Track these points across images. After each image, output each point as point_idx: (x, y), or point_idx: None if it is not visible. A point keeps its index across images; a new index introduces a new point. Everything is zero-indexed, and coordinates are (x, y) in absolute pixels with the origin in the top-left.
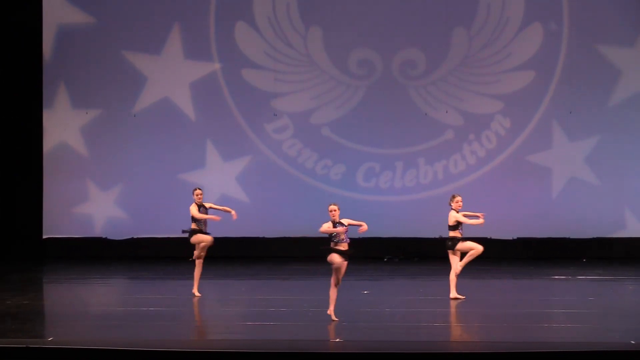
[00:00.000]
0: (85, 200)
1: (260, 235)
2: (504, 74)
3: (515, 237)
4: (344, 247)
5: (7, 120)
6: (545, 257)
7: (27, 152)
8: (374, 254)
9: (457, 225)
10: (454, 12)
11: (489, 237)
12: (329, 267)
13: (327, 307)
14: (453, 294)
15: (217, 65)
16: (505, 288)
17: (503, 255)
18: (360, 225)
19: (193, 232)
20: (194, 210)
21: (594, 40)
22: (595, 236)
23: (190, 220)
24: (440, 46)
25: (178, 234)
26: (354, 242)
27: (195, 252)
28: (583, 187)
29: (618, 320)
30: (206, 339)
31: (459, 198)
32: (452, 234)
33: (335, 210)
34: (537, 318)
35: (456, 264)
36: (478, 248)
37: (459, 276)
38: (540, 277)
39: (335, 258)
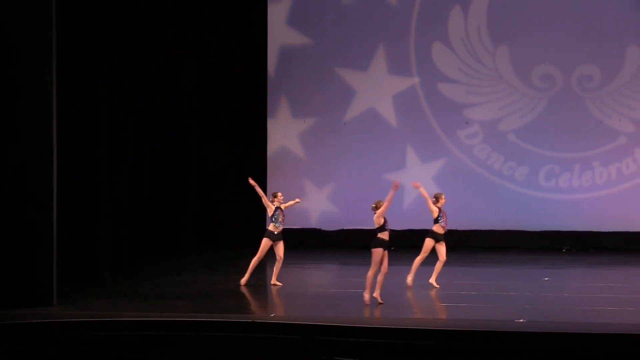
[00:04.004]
0: (302, 195)
1: (454, 228)
2: None
3: None
4: (386, 235)
5: (237, 127)
6: None
7: (254, 155)
8: (554, 245)
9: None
10: (627, 31)
11: None
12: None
13: (512, 292)
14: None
15: (416, 80)
16: None
17: None
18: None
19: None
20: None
21: None
22: None
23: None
24: (614, 62)
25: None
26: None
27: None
28: None
29: None
30: (406, 317)
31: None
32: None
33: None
34: None
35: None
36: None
37: None
38: None
39: (376, 253)
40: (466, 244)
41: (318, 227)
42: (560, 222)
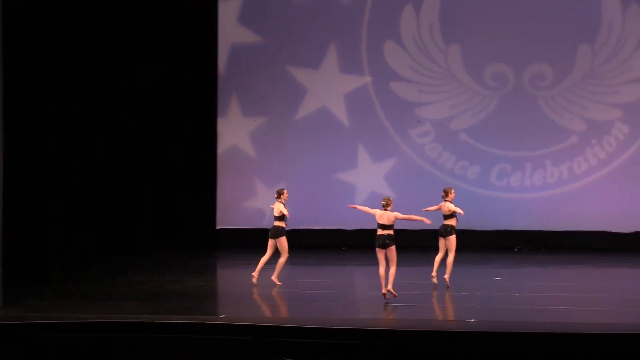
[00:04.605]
0: (253, 196)
1: (405, 228)
2: (623, 85)
3: (633, 231)
4: (379, 232)
5: (187, 126)
6: None
7: (204, 154)
8: (505, 244)
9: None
10: (579, 30)
11: (609, 230)
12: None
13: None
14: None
15: (368, 79)
16: (625, 276)
17: (622, 246)
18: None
19: (284, 230)
20: (284, 209)
21: None
22: None
23: (282, 220)
24: (566, 60)
25: (333, 226)
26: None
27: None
28: None
29: None
30: (357, 317)
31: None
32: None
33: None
34: None
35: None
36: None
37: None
38: None
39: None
40: (418, 244)
41: (269, 226)
42: (511, 222)
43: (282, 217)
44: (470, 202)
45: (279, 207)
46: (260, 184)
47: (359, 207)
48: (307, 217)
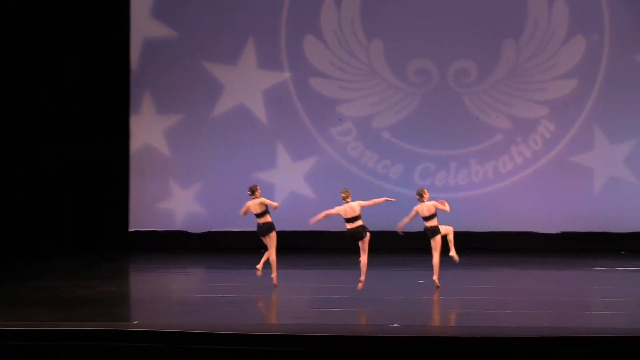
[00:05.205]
0: (167, 196)
1: (326, 229)
2: (550, 82)
3: (559, 231)
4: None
5: (98, 124)
6: (586, 250)
7: (116, 154)
8: (429, 245)
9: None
10: (504, 25)
11: (535, 231)
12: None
13: (386, 295)
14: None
15: (287, 74)
16: (550, 278)
17: (548, 247)
18: None
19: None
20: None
21: (633, 51)
22: (632, 230)
23: (266, 215)
24: (491, 56)
25: (250, 228)
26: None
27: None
28: (622, 185)
29: None
30: (274, 322)
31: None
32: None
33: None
34: (579, 305)
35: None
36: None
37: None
38: (582, 268)
39: None
40: (338, 246)
41: (184, 229)
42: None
43: (265, 213)
44: (392, 203)
45: (257, 203)
46: (174, 184)
47: (319, 216)
48: (223, 218)
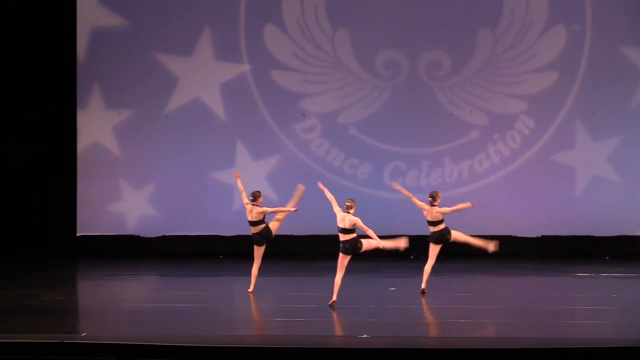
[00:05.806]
0: (118, 198)
1: (290, 233)
2: (528, 74)
3: (539, 235)
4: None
5: (42, 120)
6: (569, 255)
7: (62, 152)
8: (400, 251)
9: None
10: (479, 14)
11: (514, 235)
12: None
13: (355, 304)
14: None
15: (246, 67)
16: (530, 285)
17: (528, 252)
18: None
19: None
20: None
21: (617, 41)
22: (617, 234)
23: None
24: (465, 47)
25: (208, 232)
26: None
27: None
28: (606, 185)
29: None
30: (235, 334)
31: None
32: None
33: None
34: (561, 314)
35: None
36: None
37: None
38: (564, 274)
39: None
40: (303, 251)
41: (136, 233)
42: (407, 226)
43: (262, 222)
44: (360, 204)
45: (258, 211)
46: (125, 185)
47: (325, 189)
48: (178, 222)
